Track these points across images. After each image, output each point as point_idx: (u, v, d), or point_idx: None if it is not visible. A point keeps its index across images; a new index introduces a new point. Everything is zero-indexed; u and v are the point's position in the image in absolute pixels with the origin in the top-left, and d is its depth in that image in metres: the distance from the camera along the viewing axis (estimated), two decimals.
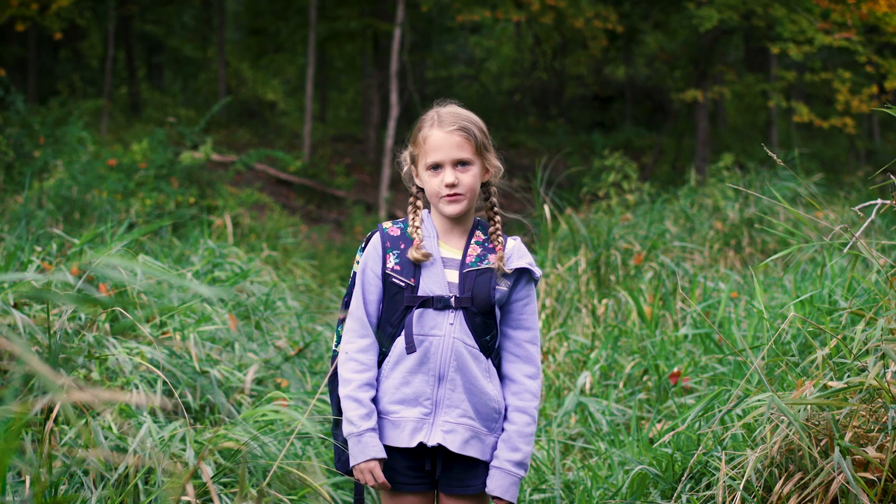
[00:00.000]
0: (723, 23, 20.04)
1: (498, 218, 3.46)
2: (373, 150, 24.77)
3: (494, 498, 3.33)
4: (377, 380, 3.34)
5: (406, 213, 3.46)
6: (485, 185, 3.47)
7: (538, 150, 26.14)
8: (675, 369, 5.76)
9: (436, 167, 3.35)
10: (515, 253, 3.40)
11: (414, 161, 3.44)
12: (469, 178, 3.36)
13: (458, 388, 3.30)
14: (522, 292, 3.40)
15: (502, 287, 3.34)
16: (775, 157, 3.93)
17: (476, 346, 3.31)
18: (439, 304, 3.30)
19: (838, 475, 3.22)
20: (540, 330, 7.13)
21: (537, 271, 3.40)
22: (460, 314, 3.31)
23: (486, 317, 3.33)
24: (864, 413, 3.43)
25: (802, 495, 3.31)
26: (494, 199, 3.50)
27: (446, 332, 3.29)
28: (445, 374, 3.29)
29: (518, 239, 3.45)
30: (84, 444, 3.85)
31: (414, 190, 3.48)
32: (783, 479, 3.39)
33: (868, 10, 15.66)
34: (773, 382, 4.16)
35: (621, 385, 6.08)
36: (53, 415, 3.71)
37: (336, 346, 3.50)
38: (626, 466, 4.46)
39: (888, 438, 3.26)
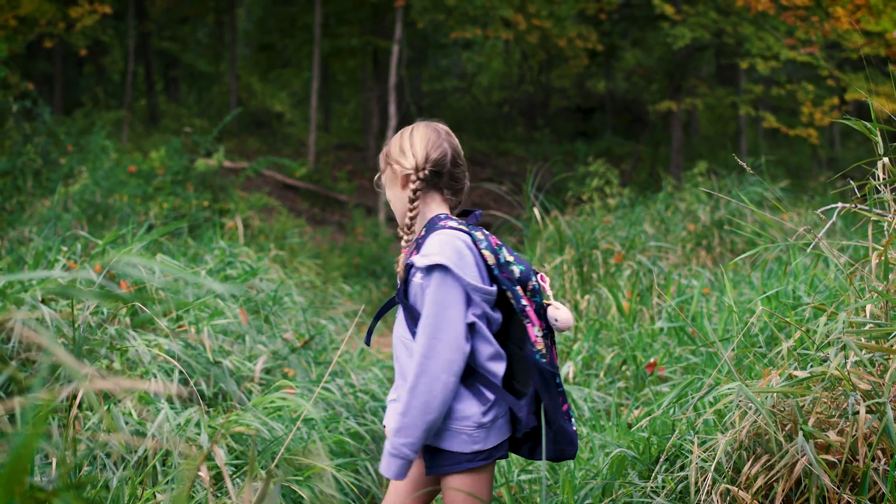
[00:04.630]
0: (695, 40, 20.06)
1: (411, 215, 3.29)
2: (373, 158, 24.74)
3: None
4: None
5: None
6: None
7: (526, 158, 26.15)
8: (652, 360, 5.77)
9: None
10: (425, 249, 3.19)
11: None
12: (388, 193, 3.33)
13: (399, 378, 3.25)
14: (421, 283, 3.18)
15: (415, 280, 3.20)
16: (744, 165, 3.93)
17: (411, 338, 3.21)
18: (396, 301, 3.28)
19: (802, 457, 3.22)
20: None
21: (420, 262, 3.16)
22: (401, 310, 3.25)
23: (411, 310, 3.21)
24: (825, 400, 3.44)
25: (769, 476, 3.31)
26: (413, 201, 3.32)
27: (396, 327, 3.29)
28: (397, 366, 3.27)
29: (442, 235, 3.21)
30: (106, 429, 3.85)
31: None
32: (751, 461, 3.39)
33: (831, 28, 15.68)
34: (741, 372, 4.16)
35: (602, 374, 6.09)
36: (77, 401, 3.70)
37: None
38: (606, 449, 4.46)
39: (848, 423, 3.27)
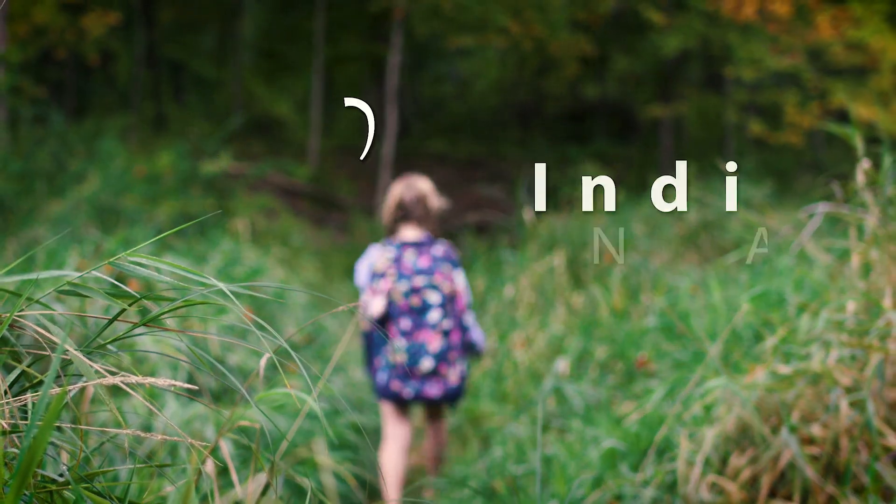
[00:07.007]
0: (684, 48, 20.05)
1: (389, 234, 5.14)
2: (373, 161, 24.72)
3: None
4: None
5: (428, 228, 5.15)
6: None
7: (520, 161, 26.13)
8: (641, 355, 5.77)
9: None
10: None
11: None
12: None
13: None
14: None
15: None
16: (725, 170, 3.93)
17: None
18: None
19: (786, 450, 3.23)
20: (523, 320, 7.13)
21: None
22: None
23: None
24: (809, 395, 3.44)
25: (754, 468, 3.31)
26: (389, 229, 5.15)
27: None
28: None
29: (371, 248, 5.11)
30: (115, 423, 3.85)
31: None
32: (737, 453, 3.40)
33: (813, 38, 15.71)
34: (728, 367, 4.16)
35: (593, 370, 6.09)
36: (88, 396, 3.70)
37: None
38: (597, 442, 4.46)
39: (831, 417, 3.27)
